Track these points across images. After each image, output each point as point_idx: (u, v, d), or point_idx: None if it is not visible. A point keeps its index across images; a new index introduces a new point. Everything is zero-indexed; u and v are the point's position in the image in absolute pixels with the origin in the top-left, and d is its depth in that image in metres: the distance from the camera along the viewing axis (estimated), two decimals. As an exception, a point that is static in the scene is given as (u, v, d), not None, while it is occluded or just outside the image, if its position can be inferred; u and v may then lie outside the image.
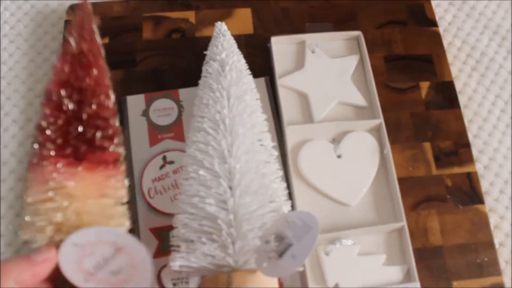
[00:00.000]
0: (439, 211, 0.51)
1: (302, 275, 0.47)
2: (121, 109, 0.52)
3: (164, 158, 0.50)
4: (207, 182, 0.40)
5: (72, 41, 0.40)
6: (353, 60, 0.56)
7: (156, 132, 0.51)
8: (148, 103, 0.53)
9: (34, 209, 0.37)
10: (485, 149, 0.56)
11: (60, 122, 0.38)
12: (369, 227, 0.48)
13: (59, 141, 0.38)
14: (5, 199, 0.52)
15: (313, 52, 0.56)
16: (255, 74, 0.48)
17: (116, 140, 0.39)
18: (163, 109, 0.52)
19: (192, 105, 0.46)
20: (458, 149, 0.54)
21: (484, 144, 0.56)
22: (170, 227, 0.42)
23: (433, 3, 0.61)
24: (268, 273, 0.37)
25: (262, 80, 0.54)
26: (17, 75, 0.58)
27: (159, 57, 0.57)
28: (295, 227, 0.36)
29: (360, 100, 0.54)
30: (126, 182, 0.40)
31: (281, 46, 0.57)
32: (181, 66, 0.56)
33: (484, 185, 0.54)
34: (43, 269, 0.36)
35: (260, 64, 0.56)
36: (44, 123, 0.38)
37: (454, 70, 0.59)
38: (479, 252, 0.50)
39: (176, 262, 0.39)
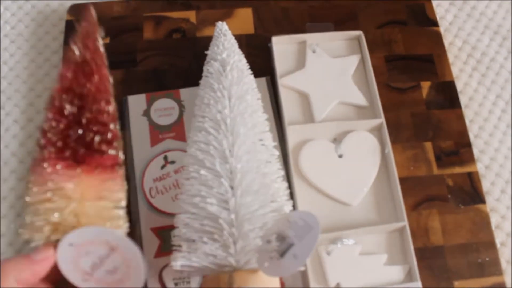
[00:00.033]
0: (440, 211, 0.51)
1: (304, 274, 0.47)
2: (122, 109, 0.52)
3: (165, 157, 0.50)
4: (208, 182, 0.40)
5: (76, 50, 0.41)
6: (354, 60, 0.56)
7: (157, 132, 0.51)
8: (149, 103, 0.53)
9: (34, 209, 0.38)
10: (486, 149, 0.56)
11: (61, 126, 0.39)
12: (370, 227, 0.48)
13: (59, 144, 0.39)
14: (6, 199, 0.52)
15: (314, 52, 0.56)
16: (256, 74, 0.48)
17: (115, 144, 0.40)
18: (164, 109, 0.52)
19: (193, 105, 0.46)
20: (459, 149, 0.54)
21: (485, 144, 0.56)
22: (172, 227, 0.42)
23: (434, 3, 0.61)
24: (269, 273, 0.37)
25: (263, 80, 0.54)
26: (18, 75, 0.58)
27: (160, 57, 0.57)
28: (296, 227, 0.36)
29: (361, 100, 0.54)
30: (125, 186, 0.41)
31: (282, 46, 0.57)
32: (181, 66, 0.56)
33: (485, 185, 0.54)
34: (43, 268, 0.36)
35: (261, 64, 0.56)
36: (46, 126, 0.39)
37: (455, 70, 0.59)
38: (480, 252, 0.50)
39: (178, 261, 0.39)
